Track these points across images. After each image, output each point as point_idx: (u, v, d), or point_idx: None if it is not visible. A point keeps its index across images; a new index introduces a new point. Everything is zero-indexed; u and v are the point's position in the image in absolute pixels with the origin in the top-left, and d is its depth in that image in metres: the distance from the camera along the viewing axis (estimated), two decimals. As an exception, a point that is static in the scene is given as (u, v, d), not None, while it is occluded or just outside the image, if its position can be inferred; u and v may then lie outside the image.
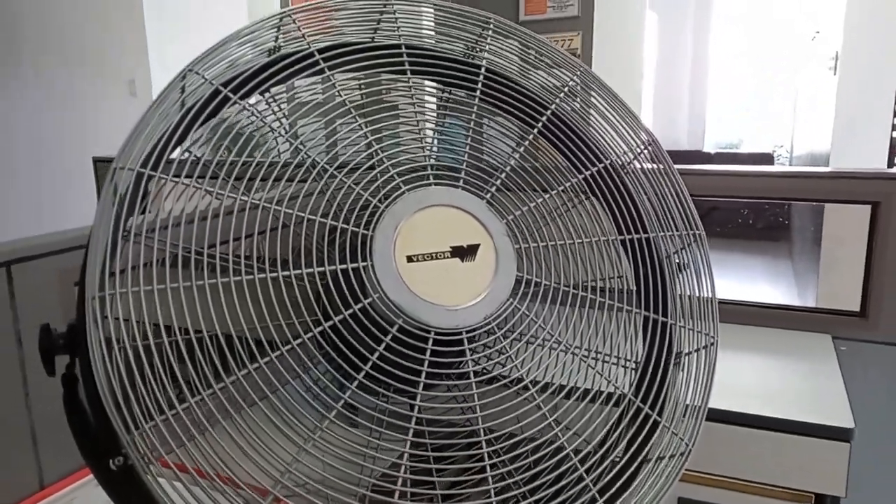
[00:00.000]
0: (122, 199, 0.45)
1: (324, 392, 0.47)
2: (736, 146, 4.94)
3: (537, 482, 0.48)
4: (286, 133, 0.51)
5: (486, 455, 0.47)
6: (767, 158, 4.00)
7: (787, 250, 1.94)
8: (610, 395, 0.51)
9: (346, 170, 0.48)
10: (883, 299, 1.33)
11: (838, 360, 1.23)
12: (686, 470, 1.11)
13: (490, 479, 0.46)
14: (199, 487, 0.42)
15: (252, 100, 0.51)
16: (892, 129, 2.90)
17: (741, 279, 1.70)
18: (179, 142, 0.46)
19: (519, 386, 0.49)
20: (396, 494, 0.45)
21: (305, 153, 0.47)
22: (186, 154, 0.51)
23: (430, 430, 0.56)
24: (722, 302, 1.43)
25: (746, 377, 1.18)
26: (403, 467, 0.46)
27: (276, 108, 0.53)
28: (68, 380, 0.49)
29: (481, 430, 0.47)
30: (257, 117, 0.51)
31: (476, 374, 0.48)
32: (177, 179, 0.45)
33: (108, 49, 3.56)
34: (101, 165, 2.13)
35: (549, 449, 0.48)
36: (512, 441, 0.48)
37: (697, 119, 4.73)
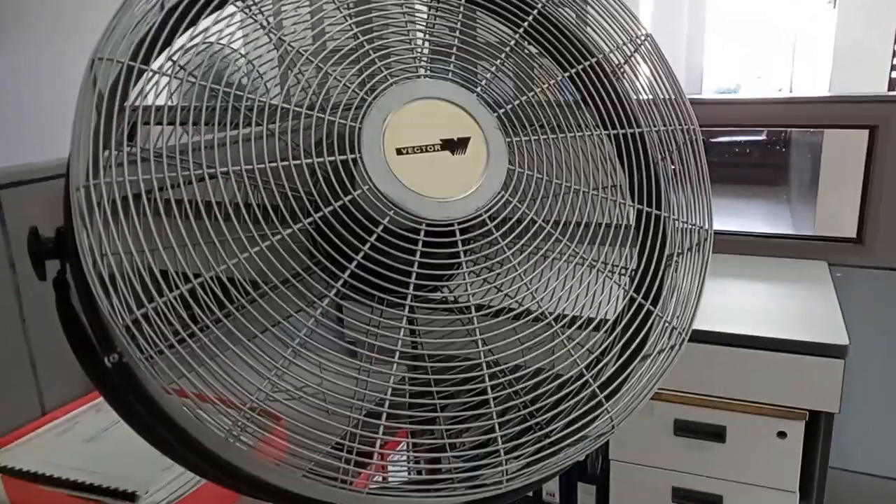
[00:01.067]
0: (102, 93, 0.44)
1: (311, 293, 0.46)
2: (734, 91, 4.88)
3: (538, 384, 0.48)
4: (269, 27, 0.49)
5: (484, 364, 0.47)
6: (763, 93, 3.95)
7: (784, 193, 1.93)
8: (603, 317, 0.51)
9: (330, 62, 0.47)
10: (879, 225, 1.33)
11: (834, 286, 1.24)
12: (682, 392, 1.12)
13: (489, 388, 0.46)
14: (192, 379, 0.42)
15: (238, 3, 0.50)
16: (891, 69, 2.86)
17: (740, 221, 1.69)
18: (171, 35, 0.45)
19: (522, 309, 0.49)
20: (384, 416, 0.45)
21: (288, 45, 0.46)
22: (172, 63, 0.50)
23: (428, 354, 0.56)
24: (720, 233, 1.44)
25: (743, 302, 1.19)
26: (392, 389, 0.46)
27: (262, 20, 0.52)
28: (59, 284, 0.49)
29: (480, 343, 0.47)
30: (247, 15, 0.50)
31: (476, 297, 0.47)
32: (171, 76, 0.44)
33: (85, 7, 3.47)
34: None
35: (546, 360, 0.48)
36: (515, 361, 0.47)
37: (695, 64, 4.66)
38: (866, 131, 1.32)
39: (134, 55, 0.45)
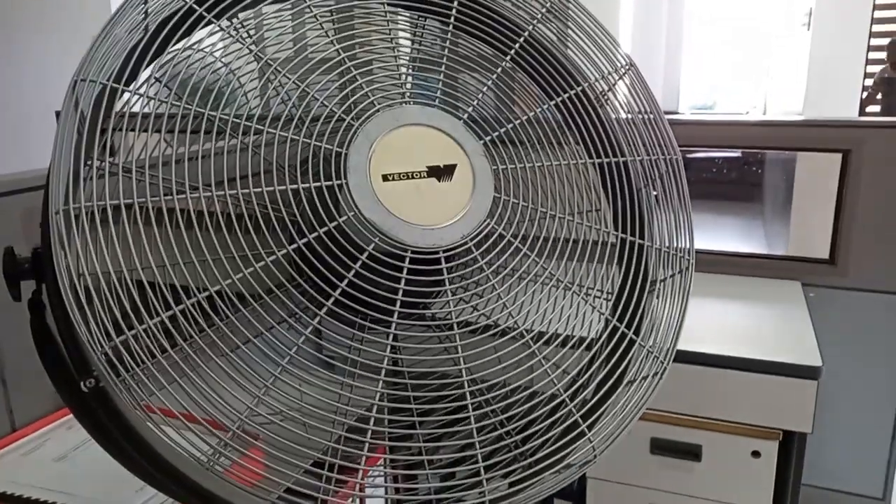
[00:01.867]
0: (84, 115, 0.43)
1: (299, 322, 0.46)
2: (710, 107, 4.96)
3: (515, 410, 0.48)
4: (253, 54, 0.49)
5: (467, 393, 0.47)
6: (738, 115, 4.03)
7: (759, 210, 1.96)
8: (585, 339, 0.51)
9: (316, 88, 0.47)
10: (851, 246, 1.35)
11: (808, 306, 1.26)
12: (659, 410, 1.13)
13: (470, 406, 0.46)
14: (176, 398, 0.41)
15: (224, 23, 0.49)
16: (863, 90, 2.93)
17: (715, 237, 1.72)
18: (144, 56, 0.45)
19: (504, 326, 0.49)
20: (369, 433, 0.45)
21: (274, 70, 0.46)
22: (154, 83, 0.49)
23: (408, 370, 0.56)
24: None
25: (718, 322, 1.21)
26: (378, 395, 0.46)
27: (244, 35, 0.52)
28: (35, 305, 0.48)
29: (463, 371, 0.47)
30: (234, 38, 0.49)
31: (457, 316, 0.47)
32: (150, 98, 0.44)
33: (68, 4, 3.43)
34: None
35: (527, 390, 0.48)
36: (492, 380, 0.47)
37: (672, 81, 4.73)
38: (839, 155, 1.34)
39: (117, 76, 0.44)
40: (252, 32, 0.52)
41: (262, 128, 0.45)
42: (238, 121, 0.45)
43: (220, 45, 0.52)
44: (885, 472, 1.39)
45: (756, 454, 1.07)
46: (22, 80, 3.32)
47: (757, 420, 1.06)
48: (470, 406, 0.47)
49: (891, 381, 1.35)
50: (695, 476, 1.11)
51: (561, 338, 0.51)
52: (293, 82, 0.46)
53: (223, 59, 0.55)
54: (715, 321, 1.21)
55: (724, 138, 1.47)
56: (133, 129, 0.47)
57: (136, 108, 0.47)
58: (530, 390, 0.49)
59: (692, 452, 1.10)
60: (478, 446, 0.46)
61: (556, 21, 0.57)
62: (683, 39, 4.73)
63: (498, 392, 0.49)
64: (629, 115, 0.56)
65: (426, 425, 0.51)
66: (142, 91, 0.45)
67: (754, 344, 1.11)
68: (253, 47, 0.50)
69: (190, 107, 0.45)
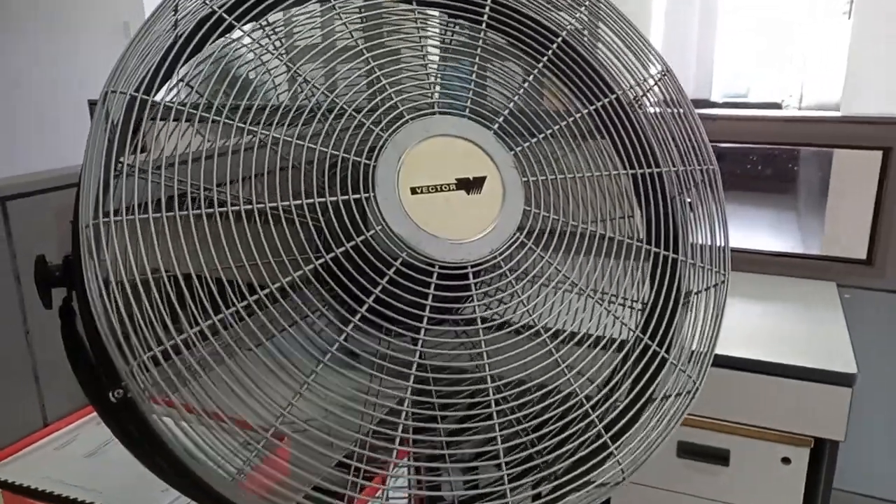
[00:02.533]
0: (115, 125, 0.43)
1: (319, 336, 0.45)
2: (744, 95, 4.86)
3: (543, 421, 0.48)
4: (283, 62, 0.48)
5: (493, 402, 0.46)
6: (775, 108, 3.93)
7: (793, 206, 1.91)
8: (615, 340, 0.50)
9: (345, 98, 0.46)
10: (890, 247, 1.32)
11: (843, 308, 1.23)
12: (687, 414, 1.12)
13: (497, 424, 0.46)
14: (197, 423, 0.42)
15: (247, 27, 0.49)
16: (905, 78, 2.83)
17: (746, 228, 1.68)
18: (173, 66, 0.44)
19: (529, 332, 0.48)
20: (397, 440, 0.45)
21: (303, 80, 0.45)
22: (185, 88, 0.49)
23: (434, 377, 0.56)
24: (727, 249, 1.42)
25: (749, 323, 1.18)
26: (404, 413, 0.45)
27: (274, 39, 0.51)
28: (66, 313, 0.48)
29: (489, 377, 0.46)
30: (256, 44, 0.49)
31: (483, 320, 0.46)
32: (173, 104, 0.44)
33: (102, 1, 3.47)
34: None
35: (556, 393, 0.48)
36: (521, 388, 0.47)
37: (705, 68, 4.63)
38: (878, 152, 1.30)
39: (147, 87, 0.44)
40: (282, 39, 0.51)
41: (289, 139, 0.44)
42: (257, 129, 0.45)
43: (249, 50, 0.52)
44: (919, 479, 1.35)
45: (786, 461, 1.05)
46: (58, 76, 3.37)
47: (788, 426, 1.04)
48: (495, 415, 0.46)
49: (928, 386, 1.32)
50: (722, 481, 1.10)
51: (588, 341, 0.50)
52: (323, 93, 0.45)
53: (252, 54, 0.54)
54: (746, 322, 1.18)
55: (759, 134, 1.43)
56: (164, 119, 0.47)
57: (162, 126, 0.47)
58: (546, 390, 0.48)
59: (720, 457, 1.09)
60: (504, 467, 0.45)
61: (590, 25, 0.56)
62: (717, 26, 4.62)
63: (525, 399, 0.48)
64: (664, 124, 0.54)
65: (454, 438, 0.51)
66: (168, 98, 0.45)
67: (787, 347, 1.08)
68: (283, 55, 0.49)
69: (211, 105, 0.45)
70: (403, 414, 0.44)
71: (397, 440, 0.45)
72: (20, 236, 0.75)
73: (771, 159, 2.08)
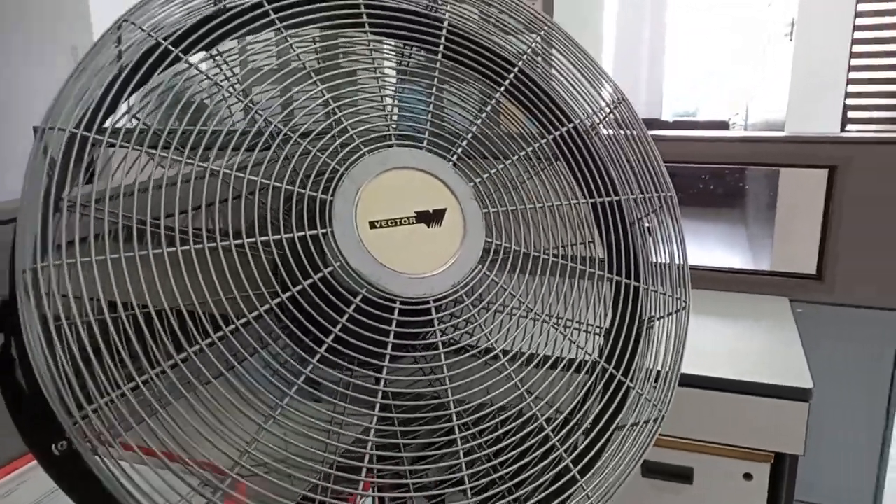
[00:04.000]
0: (54, 162, 0.41)
1: (283, 367, 0.44)
2: (693, 114, 4.99)
3: (508, 452, 0.47)
4: (235, 93, 0.47)
5: (455, 427, 0.45)
6: (723, 126, 4.05)
7: (741, 218, 1.96)
8: (577, 363, 0.50)
9: (300, 131, 0.45)
10: (838, 263, 1.35)
11: (796, 323, 1.25)
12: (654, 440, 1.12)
13: (461, 452, 0.44)
14: (149, 467, 0.39)
15: (197, 57, 0.47)
16: (846, 96, 2.96)
17: (696, 245, 1.71)
18: (116, 101, 0.42)
19: (489, 356, 0.47)
20: (363, 472, 0.43)
21: (256, 112, 0.44)
22: (132, 120, 0.47)
23: (396, 404, 0.54)
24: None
25: (705, 340, 1.20)
26: (370, 442, 0.44)
27: (225, 69, 0.50)
28: (3, 360, 0.46)
29: (451, 403, 0.45)
30: (205, 77, 0.47)
31: (444, 344, 0.45)
32: (115, 142, 0.42)
33: (47, 14, 3.39)
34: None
35: (519, 419, 0.47)
36: (482, 413, 0.46)
37: (655, 88, 4.75)
38: (825, 170, 1.34)
39: (87, 123, 0.42)
40: (234, 68, 0.50)
41: (254, 178, 0.43)
42: (217, 167, 0.43)
43: (200, 81, 0.50)
44: (874, 489, 1.38)
45: (748, 476, 1.06)
46: (6, 100, 3.27)
47: (748, 442, 1.05)
48: (459, 441, 0.45)
49: (880, 397, 1.35)
50: (687, 499, 1.10)
51: (547, 363, 0.49)
52: (276, 126, 0.44)
53: (205, 83, 0.52)
54: (703, 339, 1.20)
55: (708, 154, 1.47)
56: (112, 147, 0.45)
57: (112, 156, 0.45)
58: (505, 416, 0.47)
59: (684, 475, 1.09)
60: (467, 480, 0.44)
61: (544, 52, 0.56)
62: (666, 48, 4.76)
63: (484, 419, 0.47)
64: (621, 151, 0.54)
65: (416, 465, 0.49)
66: (116, 127, 0.43)
67: (745, 364, 1.10)
68: (235, 86, 0.48)
69: (159, 136, 0.43)
70: (369, 444, 0.43)
71: (363, 471, 0.43)
72: (-44, 275, 0.71)
73: (721, 178, 2.13)
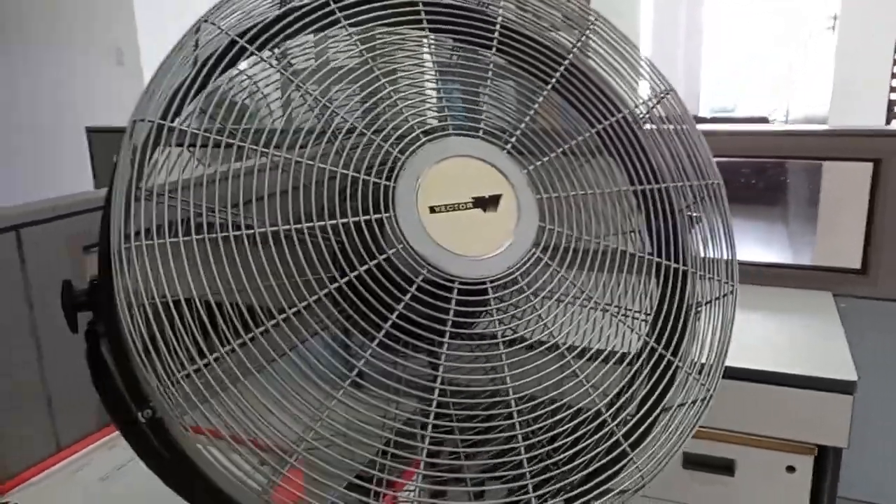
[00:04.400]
0: (135, 149, 0.44)
1: (334, 357, 0.46)
2: (731, 110, 4.92)
3: (563, 438, 0.49)
4: (303, 90, 0.50)
5: (515, 416, 0.47)
6: (763, 122, 3.99)
7: (781, 215, 1.94)
8: (628, 354, 0.52)
9: (364, 122, 0.48)
10: (883, 256, 1.34)
11: (840, 317, 1.25)
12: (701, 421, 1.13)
13: (522, 448, 0.46)
14: (227, 442, 0.42)
15: (265, 54, 0.50)
16: (890, 90, 2.90)
17: (738, 240, 1.70)
18: (198, 92, 0.46)
19: (545, 346, 0.49)
20: (422, 441, 0.46)
21: (325, 104, 0.47)
22: (196, 116, 0.50)
23: (453, 392, 0.57)
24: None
25: (748, 334, 1.20)
26: (428, 428, 0.46)
27: (286, 65, 0.53)
28: (91, 335, 0.49)
29: (510, 393, 0.47)
30: (277, 71, 0.50)
31: (503, 335, 0.48)
32: (196, 131, 0.45)
33: (94, 19, 3.50)
34: (95, 135, 2.11)
35: (575, 409, 0.49)
36: (540, 408, 0.48)
37: (692, 83, 4.70)
38: (869, 164, 1.33)
39: (164, 113, 0.45)
40: (294, 62, 0.53)
41: (312, 163, 0.46)
42: (279, 154, 0.46)
43: (262, 73, 0.54)
44: (921, 485, 1.37)
45: (791, 469, 1.06)
46: (56, 101, 3.39)
47: (791, 435, 1.05)
48: (518, 427, 0.47)
49: (926, 392, 1.33)
50: (728, 491, 1.11)
51: (602, 356, 0.51)
52: (326, 104, 0.47)
53: (257, 83, 0.56)
54: (746, 333, 1.20)
55: (748, 148, 1.46)
56: (175, 147, 0.48)
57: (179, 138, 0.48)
58: (560, 404, 0.49)
59: (725, 467, 1.09)
60: (525, 462, 0.46)
61: (592, 47, 0.58)
62: (703, 42, 4.70)
63: (542, 412, 0.49)
64: (669, 141, 0.56)
65: (464, 436, 0.52)
66: (185, 125, 0.47)
67: (788, 357, 1.10)
68: (291, 74, 0.50)
69: (222, 127, 0.46)
70: (428, 428, 0.45)
71: (420, 452, 0.46)
72: (33, 263, 0.75)
73: (762, 172, 2.11)
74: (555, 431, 0.49)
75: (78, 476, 0.77)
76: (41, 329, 0.77)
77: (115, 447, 0.82)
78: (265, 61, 0.48)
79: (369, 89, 0.48)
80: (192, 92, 0.46)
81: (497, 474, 0.49)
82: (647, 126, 0.56)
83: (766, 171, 2.07)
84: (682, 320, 0.53)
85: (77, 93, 3.41)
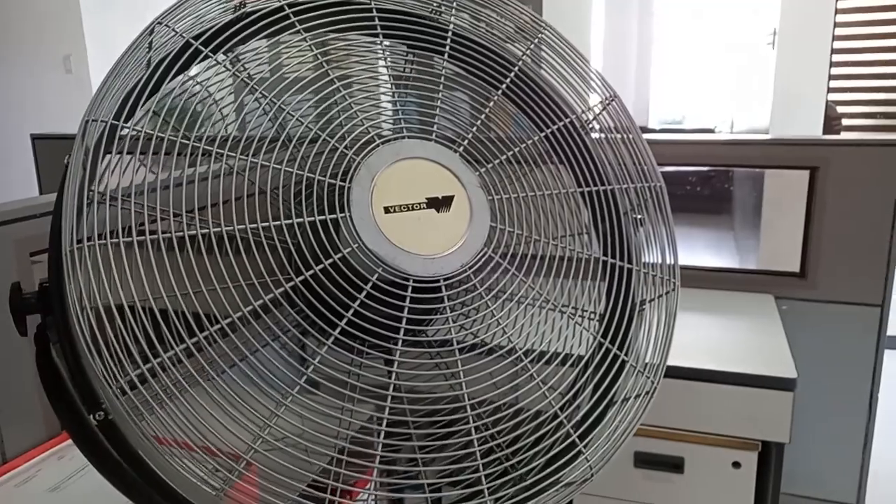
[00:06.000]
0: (89, 149, 0.44)
1: (291, 357, 0.47)
2: (679, 122, 5.06)
3: (518, 436, 0.50)
4: (257, 93, 0.50)
5: (471, 420, 0.48)
6: (709, 133, 4.12)
7: (728, 222, 2.01)
8: (580, 357, 0.53)
9: (317, 126, 0.49)
10: (821, 260, 1.40)
11: (781, 318, 1.30)
12: (642, 424, 1.16)
13: (478, 453, 0.48)
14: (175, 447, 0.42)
15: (220, 57, 0.51)
16: (826, 104, 3.04)
17: (685, 246, 1.76)
18: (151, 94, 0.46)
19: (503, 351, 0.51)
20: (377, 449, 0.46)
21: (278, 108, 0.47)
22: (148, 119, 0.50)
23: (408, 399, 0.57)
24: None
25: (695, 335, 1.24)
26: (381, 436, 0.47)
27: (240, 69, 0.53)
28: (41, 338, 0.49)
29: (465, 398, 0.48)
30: (231, 73, 0.51)
31: (457, 341, 0.49)
32: (150, 133, 0.45)
33: (42, 25, 3.42)
34: (40, 142, 2.06)
35: (527, 409, 0.50)
36: (493, 406, 0.49)
37: (642, 97, 4.83)
38: (807, 172, 1.40)
39: (117, 114, 0.46)
40: (247, 66, 0.53)
41: (267, 164, 0.46)
42: (233, 154, 0.47)
43: (216, 77, 0.54)
44: (859, 478, 1.43)
45: (736, 465, 1.10)
46: (5, 107, 3.29)
47: (736, 431, 1.09)
48: (472, 422, 0.48)
49: (862, 388, 1.40)
50: (678, 488, 1.14)
51: (555, 354, 0.53)
52: (290, 113, 0.48)
53: (209, 88, 0.56)
54: (693, 334, 1.24)
55: (695, 156, 1.52)
56: (126, 153, 0.48)
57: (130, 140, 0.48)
58: (518, 407, 0.51)
59: (675, 465, 1.13)
60: (482, 467, 0.47)
61: (542, 56, 0.60)
62: (652, 58, 4.83)
63: (491, 409, 0.50)
64: (614, 145, 0.58)
65: (422, 442, 0.53)
66: (139, 126, 0.47)
67: (732, 357, 1.14)
68: (247, 78, 0.51)
69: (178, 130, 0.47)
70: (381, 435, 0.46)
71: (376, 448, 0.47)
72: (-22, 269, 0.74)
73: (707, 181, 2.18)
74: (515, 434, 0.50)
75: (25, 487, 0.75)
76: (-14, 337, 0.75)
77: (65, 457, 0.80)
78: (220, 64, 0.49)
79: (323, 93, 0.49)
80: (146, 94, 0.46)
81: (454, 479, 0.50)
82: (594, 132, 0.59)
83: (712, 180, 2.14)
84: (628, 317, 0.55)
85: (25, 100, 3.32)
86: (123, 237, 0.44)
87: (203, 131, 0.49)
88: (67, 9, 3.38)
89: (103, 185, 0.47)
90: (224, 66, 0.49)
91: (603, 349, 0.53)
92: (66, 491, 0.74)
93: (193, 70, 0.51)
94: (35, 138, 2.08)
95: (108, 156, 0.47)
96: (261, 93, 0.48)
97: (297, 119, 0.49)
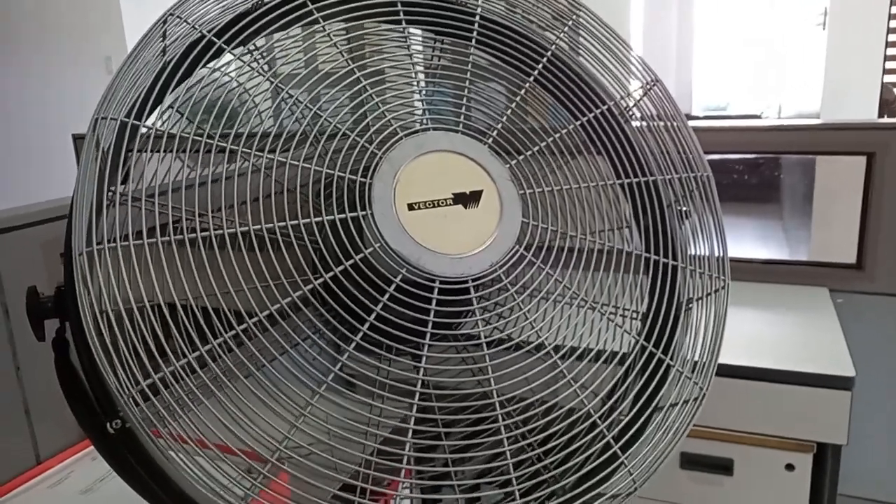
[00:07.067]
0: (106, 152, 0.42)
1: (312, 364, 0.44)
2: (723, 109, 4.92)
3: (555, 440, 0.47)
4: (274, 83, 0.48)
5: (500, 419, 0.45)
6: (755, 119, 3.98)
7: (776, 212, 1.93)
8: (617, 353, 0.50)
9: (336, 119, 0.46)
10: (879, 251, 1.33)
11: (836, 312, 1.23)
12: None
13: (505, 441, 0.45)
14: (195, 453, 0.41)
15: (237, 51, 0.49)
16: (881, 87, 2.89)
17: (733, 237, 1.69)
18: (164, 91, 0.44)
19: (531, 346, 0.48)
20: (404, 460, 0.44)
21: (295, 101, 0.45)
22: (170, 115, 0.49)
23: (437, 395, 0.55)
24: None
25: (745, 331, 1.18)
26: (410, 432, 0.44)
27: (262, 63, 0.51)
28: (59, 344, 0.47)
29: (494, 395, 0.45)
30: (246, 67, 0.49)
31: (485, 336, 0.46)
32: (163, 130, 0.43)
33: (83, 27, 3.49)
34: (81, 142, 2.10)
35: (559, 407, 0.47)
36: (529, 410, 0.46)
37: (684, 82, 4.70)
38: (863, 157, 1.32)
39: (137, 112, 0.44)
40: (270, 63, 0.51)
41: (283, 160, 0.44)
42: (250, 151, 0.45)
43: (235, 70, 0.52)
44: (922, 481, 1.35)
45: (790, 467, 1.05)
46: (44, 110, 3.37)
47: (790, 433, 1.04)
48: (503, 431, 0.46)
49: (924, 387, 1.32)
50: (726, 491, 1.09)
51: (590, 355, 0.49)
52: (308, 106, 0.45)
53: (238, 80, 0.54)
54: (743, 330, 1.18)
55: (741, 143, 1.45)
56: (152, 151, 0.46)
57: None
58: (549, 405, 0.47)
59: (723, 466, 1.08)
60: (512, 467, 0.44)
61: (575, 39, 0.56)
62: (694, 41, 4.70)
63: (522, 406, 0.47)
64: (656, 133, 0.54)
65: (455, 447, 0.50)
66: (158, 125, 0.45)
67: (785, 354, 1.08)
68: (265, 69, 0.49)
69: (202, 130, 0.45)
70: (409, 432, 0.44)
71: (404, 460, 0.44)
72: (8, 270, 0.73)
73: (755, 169, 2.10)
74: (546, 433, 0.47)
75: (59, 489, 0.75)
76: (17, 338, 0.75)
77: (98, 458, 0.80)
78: (238, 58, 0.46)
79: (341, 85, 0.46)
80: (157, 89, 0.44)
81: (484, 480, 0.47)
82: (635, 119, 0.55)
83: (759, 168, 2.06)
84: (673, 318, 0.51)
85: (66, 101, 3.39)
86: (147, 238, 0.42)
87: (228, 129, 0.47)
88: (108, 11, 3.44)
89: (122, 185, 0.45)
90: (242, 59, 0.47)
91: (643, 351, 0.50)
92: (98, 493, 0.73)
93: (221, 63, 0.49)
94: (77, 138, 2.12)
95: (130, 152, 0.45)
96: (287, 92, 0.46)
97: (315, 112, 0.46)
